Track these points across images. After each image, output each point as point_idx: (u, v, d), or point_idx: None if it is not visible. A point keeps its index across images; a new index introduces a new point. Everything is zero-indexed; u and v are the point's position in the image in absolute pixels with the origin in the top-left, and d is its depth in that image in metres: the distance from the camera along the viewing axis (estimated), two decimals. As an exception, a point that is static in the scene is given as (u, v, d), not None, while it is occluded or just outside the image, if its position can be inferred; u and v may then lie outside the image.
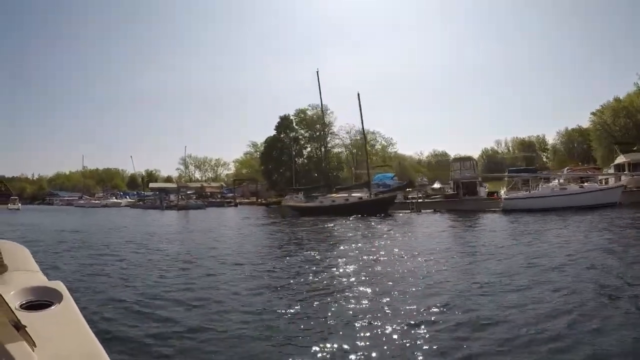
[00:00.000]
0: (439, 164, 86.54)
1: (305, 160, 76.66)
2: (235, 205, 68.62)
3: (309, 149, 78.71)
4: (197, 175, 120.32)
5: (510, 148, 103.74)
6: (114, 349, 5.31)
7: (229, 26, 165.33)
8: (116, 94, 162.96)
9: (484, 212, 31.69)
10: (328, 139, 76.34)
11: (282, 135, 75.66)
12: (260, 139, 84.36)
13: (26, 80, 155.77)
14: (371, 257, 12.86)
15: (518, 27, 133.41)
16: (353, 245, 15.72)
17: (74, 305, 1.84)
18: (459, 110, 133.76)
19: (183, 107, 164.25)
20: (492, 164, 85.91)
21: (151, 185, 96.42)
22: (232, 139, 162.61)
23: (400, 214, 34.36)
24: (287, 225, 27.60)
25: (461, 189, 38.64)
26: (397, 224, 25.54)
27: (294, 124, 77.64)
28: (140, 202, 76.73)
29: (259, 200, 73.64)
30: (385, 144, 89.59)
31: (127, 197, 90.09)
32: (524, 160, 75.89)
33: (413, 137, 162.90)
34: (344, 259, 12.26)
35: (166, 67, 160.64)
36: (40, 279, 2.16)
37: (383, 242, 16.50)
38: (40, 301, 1.83)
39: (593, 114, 66.61)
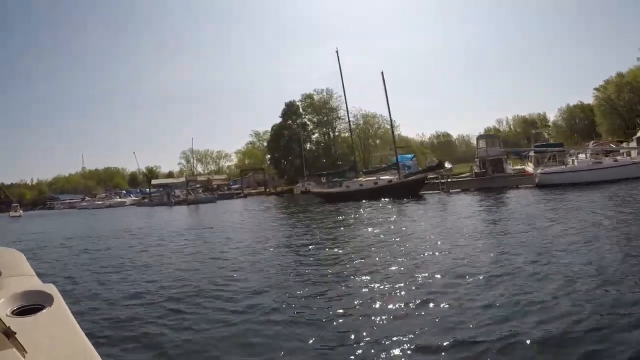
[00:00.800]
0: (442, 145, 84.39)
1: (314, 147, 74.02)
2: (245, 196, 66.41)
3: (316, 135, 76.18)
4: (200, 168, 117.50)
5: (511, 126, 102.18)
6: None
7: (229, 25, 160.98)
8: (113, 93, 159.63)
9: (515, 189, 30.93)
10: (335, 123, 73.97)
11: (288, 122, 72.94)
12: (262, 129, 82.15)
13: (22, 82, 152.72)
14: (424, 244, 11.38)
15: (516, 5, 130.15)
16: (395, 232, 14.36)
17: (65, 307, 1.86)
18: (457, 91, 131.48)
19: (182, 103, 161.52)
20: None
21: (155, 181, 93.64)
22: (231, 131, 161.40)
23: (431, 196, 32.63)
24: (318, 212, 25.88)
25: (489, 166, 36.82)
26: (433, 206, 24.22)
27: (300, 110, 74.71)
28: (146, 200, 74.29)
29: (268, 189, 71.47)
30: (388, 126, 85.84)
31: (131, 195, 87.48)
32: (533, 138, 74.51)
33: (413, 120, 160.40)
34: (395, 249, 11.00)
35: (165, 64, 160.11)
36: (33, 283, 2.19)
37: (427, 226, 15.23)
38: (31, 305, 1.84)
39: (597, 89, 67.20)
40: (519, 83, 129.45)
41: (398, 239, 12.47)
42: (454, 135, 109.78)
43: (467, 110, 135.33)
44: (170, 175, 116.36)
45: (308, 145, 71.38)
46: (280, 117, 73.75)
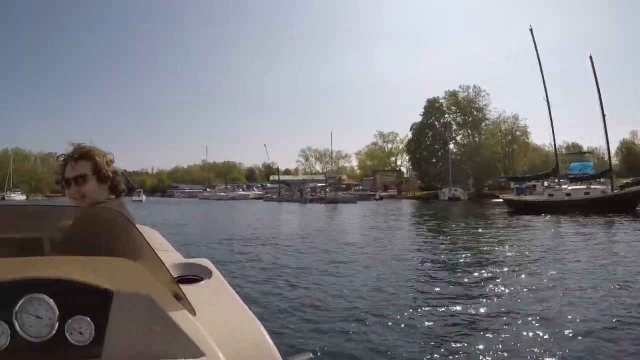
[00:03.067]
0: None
1: (457, 149, 66.93)
2: (380, 198, 61.30)
3: (460, 137, 68.93)
4: (318, 167, 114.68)
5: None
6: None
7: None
8: (234, 90, 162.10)
9: None
10: (483, 125, 66.46)
11: (430, 120, 66.50)
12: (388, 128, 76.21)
13: (143, 79, 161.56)
14: None
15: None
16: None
17: (223, 279, 1.92)
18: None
19: (301, 100, 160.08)
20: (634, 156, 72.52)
21: (273, 177, 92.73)
22: (351, 132, 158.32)
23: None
24: (515, 228, 19.98)
25: None
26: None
27: (444, 108, 67.94)
28: (272, 195, 71.78)
29: (403, 192, 65.73)
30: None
31: (254, 189, 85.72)
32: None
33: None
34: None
35: (293, 64, 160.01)
36: (181, 257, 2.33)
37: None
38: (189, 276, 1.91)
39: None
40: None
41: None
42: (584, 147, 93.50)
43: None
44: (287, 172, 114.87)
45: (452, 147, 64.09)
46: (422, 115, 67.57)
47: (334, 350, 5.08)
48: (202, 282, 1.87)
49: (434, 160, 65.13)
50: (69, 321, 1.20)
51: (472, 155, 63.60)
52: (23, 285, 1.22)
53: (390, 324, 6.04)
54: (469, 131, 66.50)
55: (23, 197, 72.48)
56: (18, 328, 1.18)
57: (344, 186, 74.52)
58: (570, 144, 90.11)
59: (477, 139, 66.43)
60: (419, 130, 67.25)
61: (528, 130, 69.57)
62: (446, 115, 68.01)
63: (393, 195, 66.48)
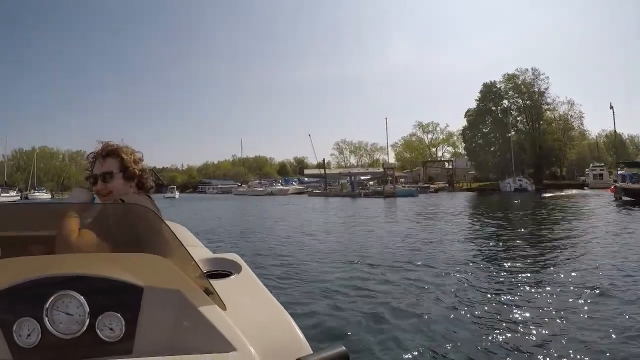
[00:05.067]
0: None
1: (517, 137, 61.73)
2: (436, 191, 56.97)
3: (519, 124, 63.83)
4: (353, 160, 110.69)
5: None
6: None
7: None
8: (266, 86, 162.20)
9: None
10: (546, 109, 61.47)
11: (488, 106, 61.58)
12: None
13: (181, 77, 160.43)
14: None
15: None
16: None
17: (253, 274, 1.95)
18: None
19: (334, 95, 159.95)
20: None
21: (308, 171, 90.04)
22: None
23: None
24: None
25: None
26: None
27: (502, 92, 62.89)
28: (313, 190, 67.91)
29: (457, 184, 61.31)
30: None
31: (292, 183, 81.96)
32: None
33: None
34: None
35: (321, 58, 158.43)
36: (210, 253, 2.39)
37: None
38: (219, 271, 1.96)
39: None
40: None
41: None
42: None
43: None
44: (319, 166, 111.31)
45: (512, 135, 59.05)
46: (477, 100, 62.62)
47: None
48: (232, 277, 1.90)
49: (493, 148, 60.17)
50: (100, 317, 1.21)
51: (533, 143, 58.67)
52: (53, 283, 1.23)
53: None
54: (529, 117, 61.40)
55: (48, 196, 70.64)
56: (49, 325, 1.19)
57: (389, 178, 70.30)
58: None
59: (536, 126, 61.44)
60: (475, 116, 62.33)
61: (583, 116, 64.67)
62: (504, 101, 62.93)
63: (442, 187, 61.71)
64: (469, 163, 67.04)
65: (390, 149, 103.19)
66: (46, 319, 1.19)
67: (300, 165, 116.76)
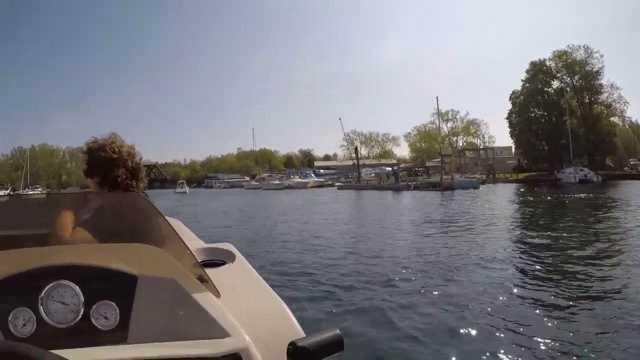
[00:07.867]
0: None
1: (569, 121, 55.56)
2: (483, 182, 50.84)
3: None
4: (364, 152, 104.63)
5: None
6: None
7: None
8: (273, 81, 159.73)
9: None
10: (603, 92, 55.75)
11: (539, 87, 55.56)
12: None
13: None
14: None
15: None
16: None
17: (247, 263, 1.95)
18: None
19: (345, 86, 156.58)
20: None
21: (318, 164, 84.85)
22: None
23: None
24: None
25: None
26: None
27: (553, 71, 56.68)
28: (334, 183, 62.60)
29: (495, 176, 55.55)
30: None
31: (312, 175, 75.76)
32: None
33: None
34: None
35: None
36: (204, 243, 2.34)
37: None
38: (214, 260, 1.98)
39: None
40: None
41: None
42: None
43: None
44: (327, 158, 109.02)
45: (567, 118, 53.19)
46: (525, 81, 56.56)
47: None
48: (226, 265, 1.91)
49: (546, 134, 54.32)
50: (94, 306, 1.22)
51: (591, 129, 52.94)
52: (48, 273, 1.24)
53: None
54: (583, 100, 55.66)
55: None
56: (44, 314, 1.20)
57: (421, 169, 64.35)
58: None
59: (589, 110, 55.73)
60: (525, 98, 56.30)
61: (627, 101, 59.34)
62: (554, 82, 57.08)
63: (471, 178, 55.40)
64: (513, 151, 61.07)
65: (403, 138, 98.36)
66: (41, 308, 1.19)
67: (308, 158, 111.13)
